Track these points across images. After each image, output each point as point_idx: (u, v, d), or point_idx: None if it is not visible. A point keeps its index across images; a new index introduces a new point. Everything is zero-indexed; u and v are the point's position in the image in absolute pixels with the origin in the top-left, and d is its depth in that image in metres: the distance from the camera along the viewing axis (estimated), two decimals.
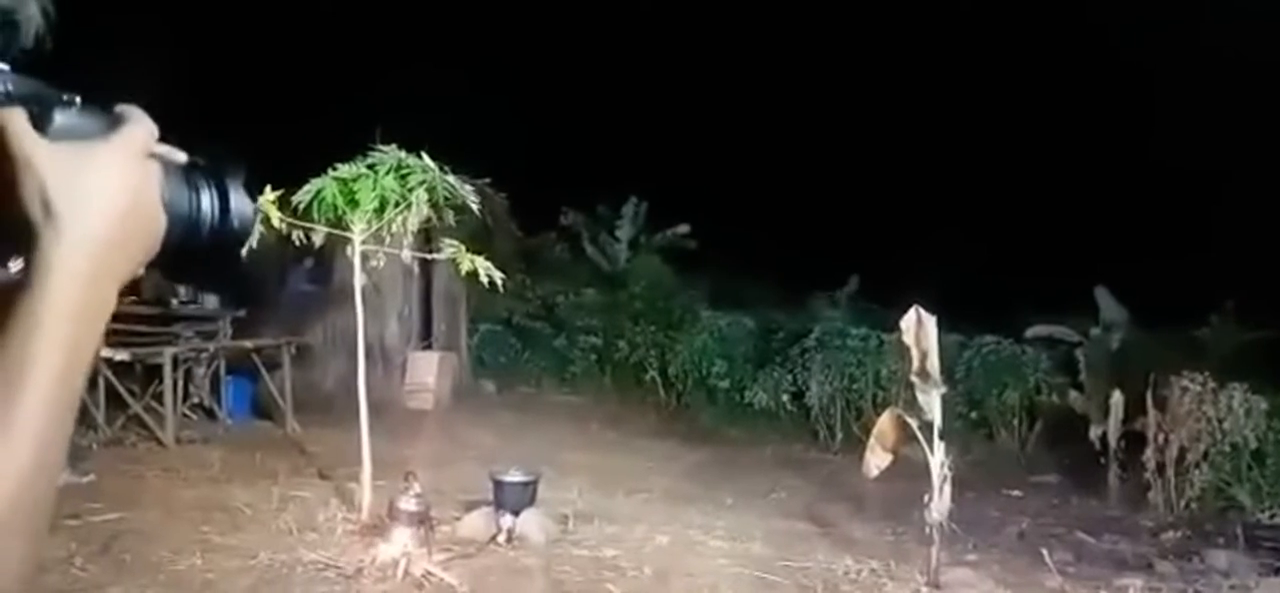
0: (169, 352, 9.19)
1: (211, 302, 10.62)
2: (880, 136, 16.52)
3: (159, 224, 0.71)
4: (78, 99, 0.70)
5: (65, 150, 0.67)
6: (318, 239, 6.75)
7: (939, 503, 6.34)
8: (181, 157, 0.75)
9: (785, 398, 12.38)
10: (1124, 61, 14.96)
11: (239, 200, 0.76)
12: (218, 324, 10.65)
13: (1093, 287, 12.40)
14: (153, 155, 0.72)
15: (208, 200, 0.75)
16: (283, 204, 6.44)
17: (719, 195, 15.52)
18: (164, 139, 0.74)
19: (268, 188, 6.29)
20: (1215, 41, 13.14)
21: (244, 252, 0.79)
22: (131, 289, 0.75)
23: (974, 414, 11.69)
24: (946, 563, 6.48)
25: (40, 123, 0.67)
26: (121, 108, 0.72)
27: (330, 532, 6.60)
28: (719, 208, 14.96)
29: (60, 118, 0.69)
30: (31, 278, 0.65)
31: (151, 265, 0.73)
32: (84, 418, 8.47)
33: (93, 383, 8.56)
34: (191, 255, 0.75)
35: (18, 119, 0.66)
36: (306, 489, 7.62)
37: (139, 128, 0.71)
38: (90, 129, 0.70)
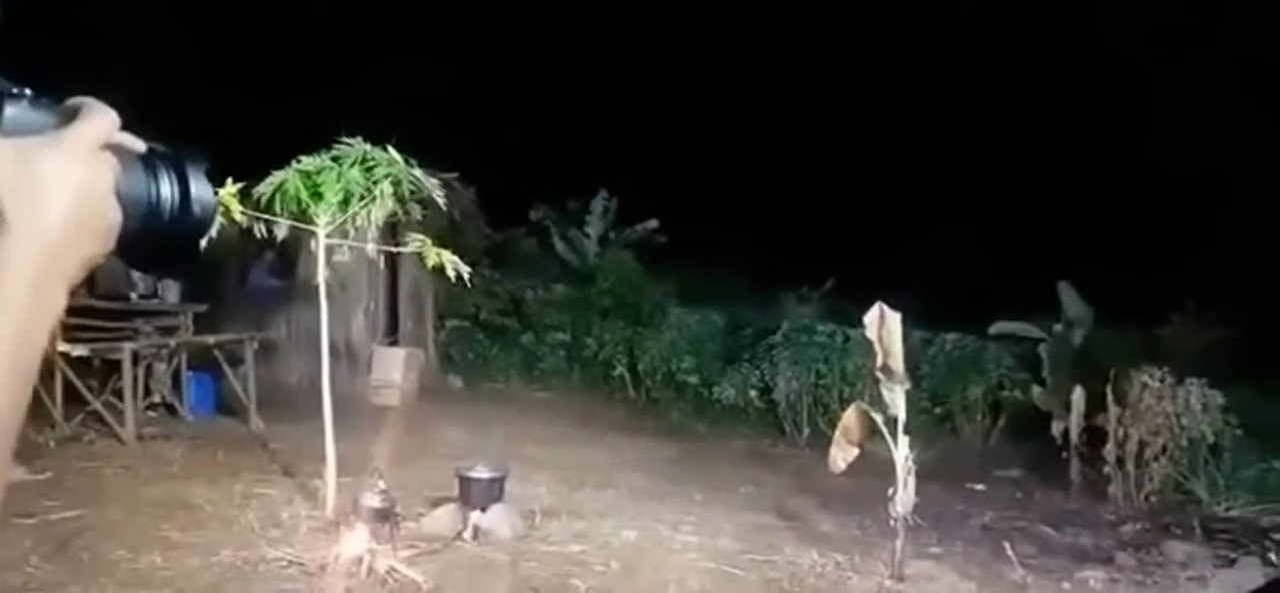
0: (128, 346, 9.04)
1: (172, 296, 10.46)
2: (849, 135, 16.60)
3: (112, 221, 0.70)
4: (29, 92, 0.69)
5: (14, 147, 0.66)
6: (281, 233, 6.67)
7: (903, 497, 6.40)
8: (140, 145, 0.74)
9: (753, 393, 12.41)
10: (1088, 62, 15.16)
11: (200, 188, 0.76)
12: (179, 319, 10.49)
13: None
14: (110, 146, 0.70)
15: (168, 188, 0.74)
16: (244, 197, 6.36)
17: (689, 192, 15.53)
18: (126, 126, 0.72)
19: (228, 180, 6.21)
20: (1183, 41, 13.35)
21: (205, 241, 0.79)
22: (86, 282, 0.73)
23: (938, 409, 11.79)
24: (910, 556, 6.54)
25: None
26: (76, 100, 0.70)
27: (294, 529, 6.54)
28: (689, 204, 14.97)
29: (11, 111, 0.67)
30: None
31: (111, 254, 0.72)
32: (41, 414, 8.32)
33: (49, 378, 8.41)
34: (151, 244, 0.75)
35: None
36: (270, 486, 7.54)
37: (94, 121, 0.69)
38: (43, 123, 0.68)
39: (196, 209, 0.75)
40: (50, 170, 0.66)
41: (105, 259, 0.71)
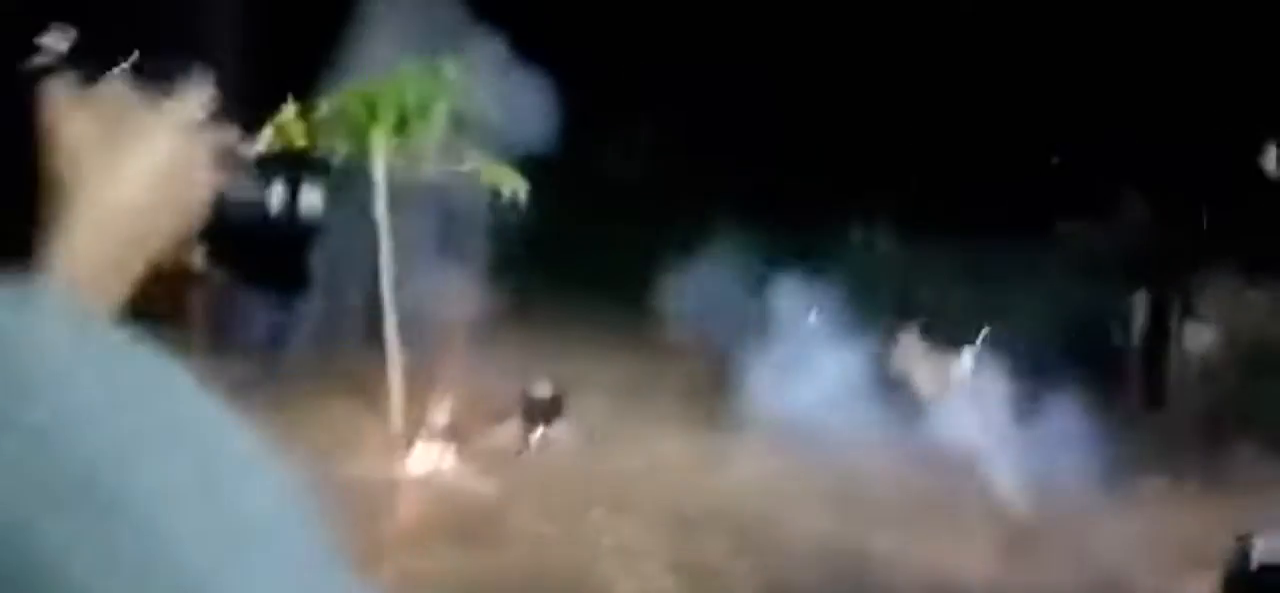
0: None
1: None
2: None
3: (197, 198, 0.69)
4: (134, 61, 0.68)
5: (105, 109, 0.65)
6: (340, 154, 6.71)
7: None
8: (252, 150, 0.73)
9: None
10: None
11: (309, 197, 0.75)
12: None
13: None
14: (214, 145, 0.70)
15: (276, 192, 0.74)
16: (304, 117, 6.38)
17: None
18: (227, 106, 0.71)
19: (289, 99, 6.22)
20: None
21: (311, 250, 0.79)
22: None
23: None
24: None
25: (92, 81, 0.66)
26: (178, 75, 0.70)
27: (360, 446, 6.68)
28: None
29: (114, 77, 0.67)
30: (60, 228, 0.63)
31: (208, 246, 0.71)
32: None
33: None
34: (251, 242, 0.76)
35: (66, 82, 0.65)
36: (335, 405, 7.67)
37: (191, 98, 0.68)
38: (143, 93, 0.68)
39: (302, 217, 0.75)
40: (139, 139, 0.65)
41: (217, 274, 0.70)
